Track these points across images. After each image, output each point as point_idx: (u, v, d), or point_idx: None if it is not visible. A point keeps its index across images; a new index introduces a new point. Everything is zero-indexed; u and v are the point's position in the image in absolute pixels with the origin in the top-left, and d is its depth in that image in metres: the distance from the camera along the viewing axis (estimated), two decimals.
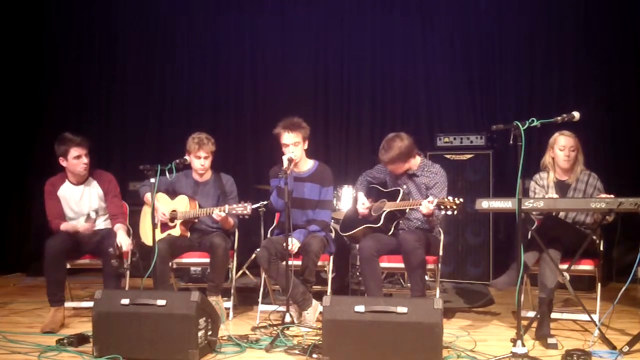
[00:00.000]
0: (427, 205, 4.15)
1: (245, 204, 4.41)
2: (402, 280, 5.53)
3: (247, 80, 7.01)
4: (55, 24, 7.14)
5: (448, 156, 5.94)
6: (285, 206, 4.24)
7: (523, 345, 3.43)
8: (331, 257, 4.68)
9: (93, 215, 4.71)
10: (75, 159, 4.58)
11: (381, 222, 4.45)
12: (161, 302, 3.61)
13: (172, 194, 4.79)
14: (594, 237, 4.21)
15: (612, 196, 3.88)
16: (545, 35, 6.25)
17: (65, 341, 3.89)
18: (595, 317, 4.01)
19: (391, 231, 4.47)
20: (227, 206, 4.50)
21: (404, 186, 4.57)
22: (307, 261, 4.42)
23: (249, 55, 7.00)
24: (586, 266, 4.23)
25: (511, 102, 6.36)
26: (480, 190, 5.73)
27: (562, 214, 4.32)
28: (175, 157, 4.43)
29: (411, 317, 3.35)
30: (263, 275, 4.61)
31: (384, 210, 4.47)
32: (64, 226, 4.60)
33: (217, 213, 4.50)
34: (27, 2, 6.97)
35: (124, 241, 4.48)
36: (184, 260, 4.77)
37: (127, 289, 4.65)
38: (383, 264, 4.49)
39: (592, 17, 6.09)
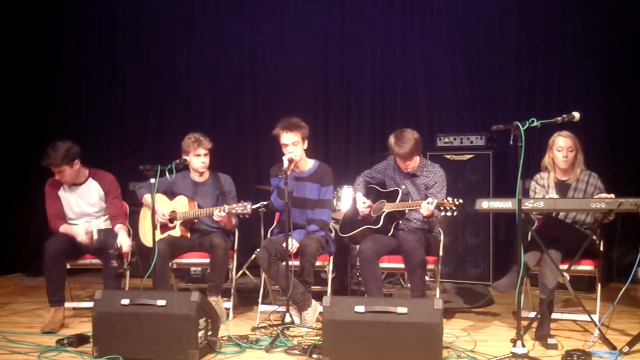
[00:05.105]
0: (426, 207, 4.14)
1: (245, 204, 4.40)
2: (402, 281, 5.53)
3: (247, 80, 7.00)
4: (55, 23, 7.12)
5: (448, 156, 5.94)
6: (285, 207, 4.23)
7: (523, 345, 3.43)
8: (331, 258, 4.68)
9: (95, 232, 4.58)
10: (58, 174, 4.58)
11: (381, 223, 4.44)
12: (161, 302, 3.61)
13: (171, 194, 4.78)
14: (594, 238, 4.20)
15: (612, 196, 3.88)
16: (546, 35, 6.24)
17: (65, 341, 3.89)
18: (595, 317, 4.01)
19: (391, 232, 4.46)
20: (226, 206, 4.49)
21: (403, 186, 4.56)
22: (304, 262, 4.41)
23: (249, 55, 6.99)
24: (586, 266, 4.22)
25: (511, 102, 6.36)
26: (480, 191, 5.72)
27: (562, 214, 4.32)
28: (175, 157, 4.42)
29: (411, 318, 3.35)
30: (263, 275, 4.61)
31: (384, 211, 4.46)
32: (63, 228, 4.59)
33: (218, 214, 4.50)
34: (28, 2, 6.97)
35: (124, 242, 4.48)
36: (184, 260, 4.76)
37: (127, 289, 4.65)
38: (383, 264, 4.48)
39: (592, 17, 6.08)
